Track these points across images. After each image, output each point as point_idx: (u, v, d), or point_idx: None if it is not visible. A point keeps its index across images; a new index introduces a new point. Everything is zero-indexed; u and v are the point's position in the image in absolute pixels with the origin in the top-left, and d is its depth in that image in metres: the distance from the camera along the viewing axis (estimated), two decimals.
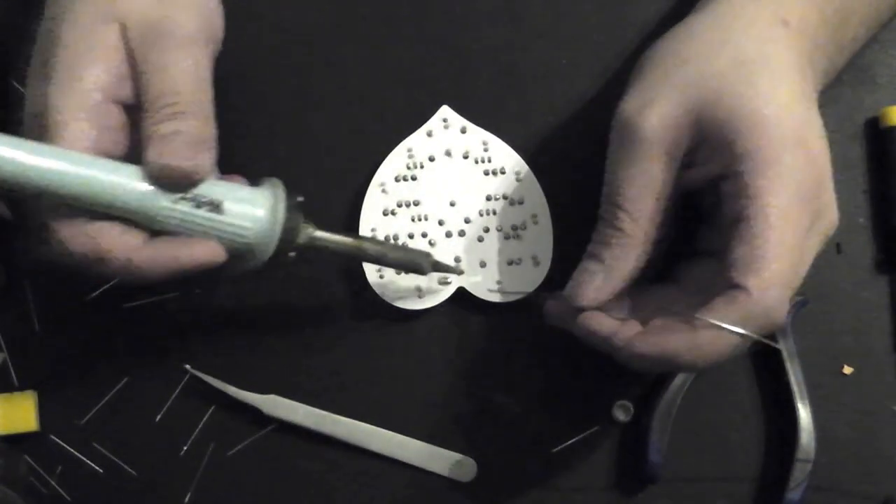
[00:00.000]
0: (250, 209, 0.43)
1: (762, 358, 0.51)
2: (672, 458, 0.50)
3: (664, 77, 0.44)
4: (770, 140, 0.41)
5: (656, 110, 0.43)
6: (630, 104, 0.44)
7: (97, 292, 0.52)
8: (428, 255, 0.49)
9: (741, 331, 0.41)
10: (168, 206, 0.41)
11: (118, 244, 0.41)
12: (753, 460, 0.51)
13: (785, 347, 0.50)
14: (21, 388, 0.52)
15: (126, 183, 0.41)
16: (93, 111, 0.41)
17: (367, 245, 0.47)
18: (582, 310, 0.45)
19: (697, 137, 0.43)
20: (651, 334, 0.43)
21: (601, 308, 0.45)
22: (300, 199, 0.45)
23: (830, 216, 0.43)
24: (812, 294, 0.51)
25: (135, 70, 0.42)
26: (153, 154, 0.41)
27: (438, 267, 0.49)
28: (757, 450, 0.51)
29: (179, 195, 0.42)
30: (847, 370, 0.52)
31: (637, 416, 0.51)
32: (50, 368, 0.52)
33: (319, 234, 0.46)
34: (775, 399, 0.51)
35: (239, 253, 0.44)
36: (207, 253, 0.42)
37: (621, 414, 0.51)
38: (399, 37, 0.54)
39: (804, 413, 0.49)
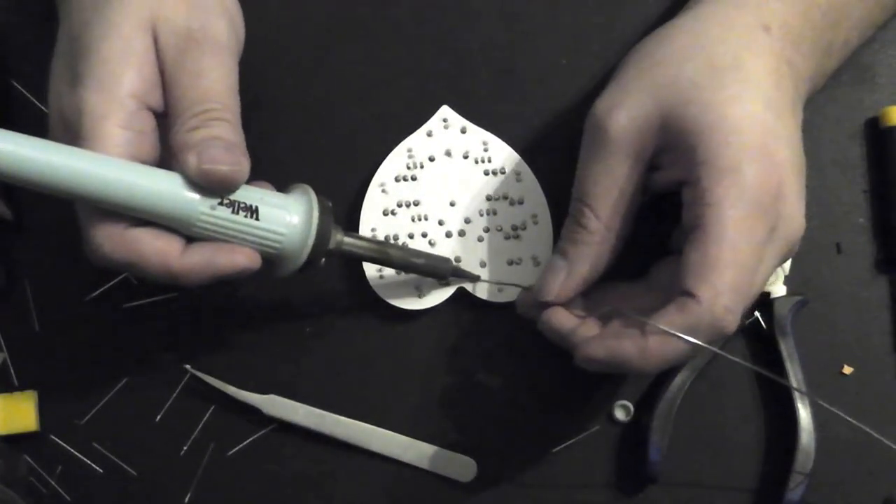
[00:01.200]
0: (284, 215, 0.43)
1: (762, 358, 0.51)
2: (672, 458, 0.50)
3: (638, 79, 0.44)
4: (729, 148, 0.41)
5: (625, 111, 0.44)
6: (602, 104, 0.45)
7: (97, 292, 0.52)
8: (448, 260, 0.50)
9: (688, 339, 0.41)
10: (206, 211, 0.41)
11: (156, 251, 0.41)
12: (753, 460, 0.51)
13: (785, 347, 0.50)
14: (21, 388, 0.52)
15: (166, 189, 0.41)
16: (129, 117, 0.41)
17: (391, 251, 0.48)
18: (547, 305, 0.46)
19: (664, 141, 0.43)
20: (604, 338, 0.43)
21: (566, 304, 0.46)
22: (329, 203, 0.45)
23: (793, 225, 0.43)
24: (812, 294, 0.51)
25: (165, 76, 0.42)
26: (192, 159, 0.41)
27: (458, 273, 0.50)
28: (757, 449, 0.51)
29: (217, 201, 0.42)
30: (847, 370, 0.51)
31: (637, 416, 0.51)
32: (50, 368, 0.52)
33: (348, 239, 0.46)
34: (775, 399, 0.51)
35: (271, 259, 0.44)
36: (243, 260, 0.42)
37: (621, 414, 0.51)
38: (399, 37, 0.54)
39: (804, 413, 0.49)
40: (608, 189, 0.44)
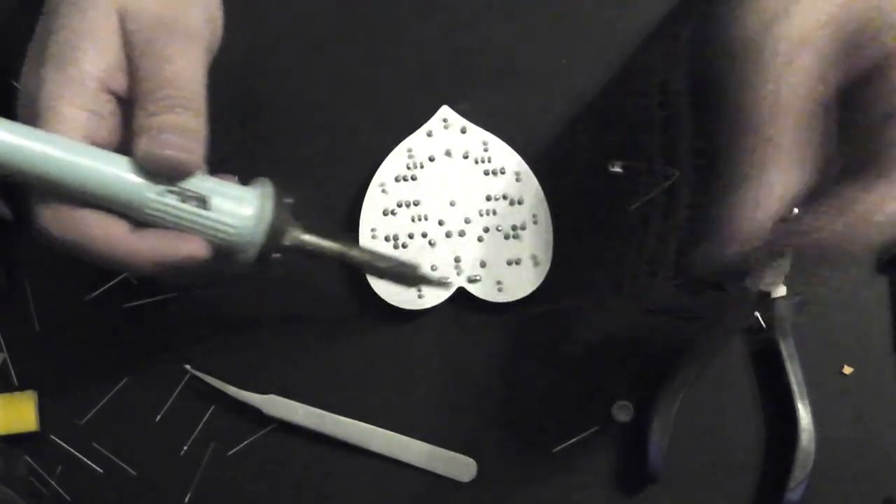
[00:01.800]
0: (237, 207, 0.43)
1: (762, 358, 0.51)
2: (672, 457, 0.50)
3: None
4: None
5: (795, 17, 0.40)
6: (758, 17, 0.41)
7: (97, 292, 0.52)
8: (416, 267, 0.48)
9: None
10: (154, 198, 0.41)
11: (101, 233, 0.41)
12: (754, 460, 0.51)
13: (785, 347, 0.50)
14: (21, 388, 0.52)
15: (114, 172, 0.41)
16: (87, 98, 0.41)
17: (354, 252, 0.46)
18: (737, 242, 0.41)
19: (838, 40, 0.40)
20: (807, 222, 0.40)
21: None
22: (289, 200, 0.44)
23: None
24: (812, 294, 0.51)
25: (130, 61, 0.42)
26: (144, 143, 0.40)
27: (427, 280, 0.49)
28: (757, 450, 0.51)
29: (166, 188, 0.41)
30: (847, 370, 0.52)
31: (637, 416, 0.51)
32: (50, 368, 0.52)
33: (307, 237, 0.45)
34: (775, 399, 0.51)
35: (223, 251, 0.44)
36: (191, 248, 0.42)
37: (621, 414, 0.51)
38: (399, 37, 0.54)
39: (804, 413, 0.49)
40: (790, 104, 0.40)
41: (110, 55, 0.42)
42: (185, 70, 0.42)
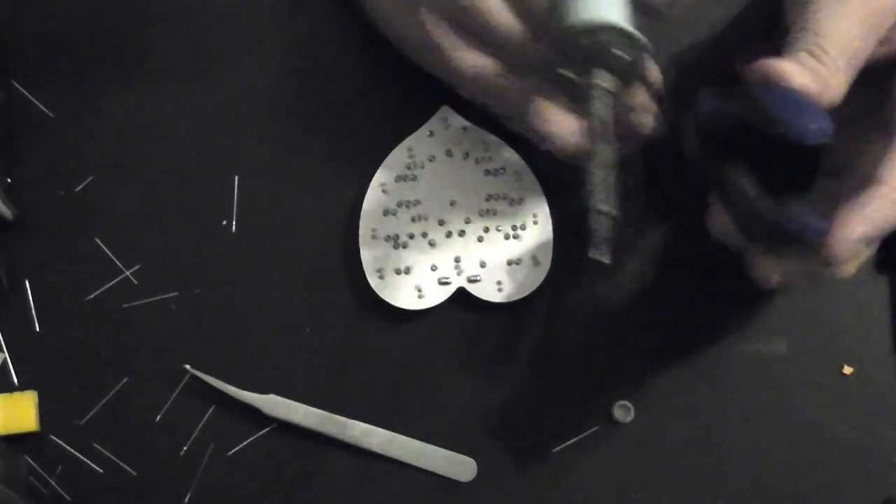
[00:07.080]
0: None
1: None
2: (672, 456, 0.50)
3: None
4: None
5: None
6: None
7: (97, 292, 0.52)
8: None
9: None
10: None
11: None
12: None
13: None
14: (21, 388, 0.52)
15: None
16: None
17: None
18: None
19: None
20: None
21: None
22: None
23: None
24: (812, 294, 0.51)
25: None
26: None
27: None
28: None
29: None
30: (847, 370, 0.52)
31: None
32: (50, 368, 0.52)
33: None
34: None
35: None
36: None
37: (621, 414, 0.51)
38: None
39: None
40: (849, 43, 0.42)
41: None
42: None
